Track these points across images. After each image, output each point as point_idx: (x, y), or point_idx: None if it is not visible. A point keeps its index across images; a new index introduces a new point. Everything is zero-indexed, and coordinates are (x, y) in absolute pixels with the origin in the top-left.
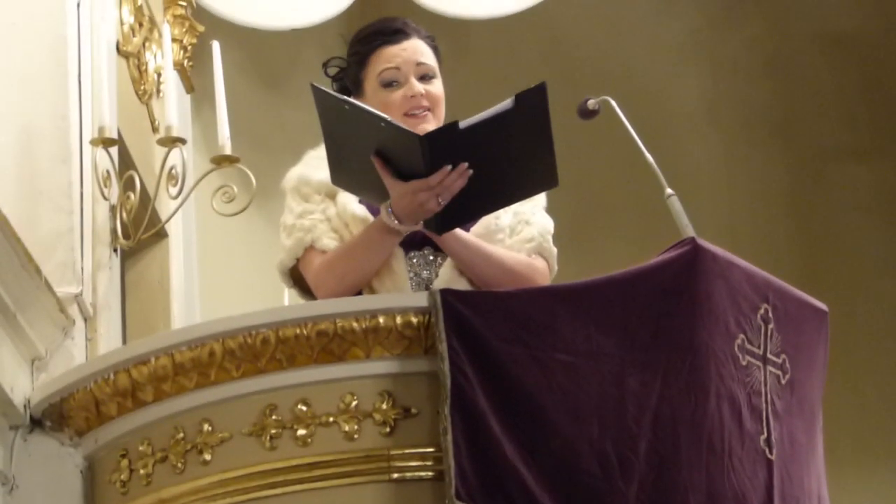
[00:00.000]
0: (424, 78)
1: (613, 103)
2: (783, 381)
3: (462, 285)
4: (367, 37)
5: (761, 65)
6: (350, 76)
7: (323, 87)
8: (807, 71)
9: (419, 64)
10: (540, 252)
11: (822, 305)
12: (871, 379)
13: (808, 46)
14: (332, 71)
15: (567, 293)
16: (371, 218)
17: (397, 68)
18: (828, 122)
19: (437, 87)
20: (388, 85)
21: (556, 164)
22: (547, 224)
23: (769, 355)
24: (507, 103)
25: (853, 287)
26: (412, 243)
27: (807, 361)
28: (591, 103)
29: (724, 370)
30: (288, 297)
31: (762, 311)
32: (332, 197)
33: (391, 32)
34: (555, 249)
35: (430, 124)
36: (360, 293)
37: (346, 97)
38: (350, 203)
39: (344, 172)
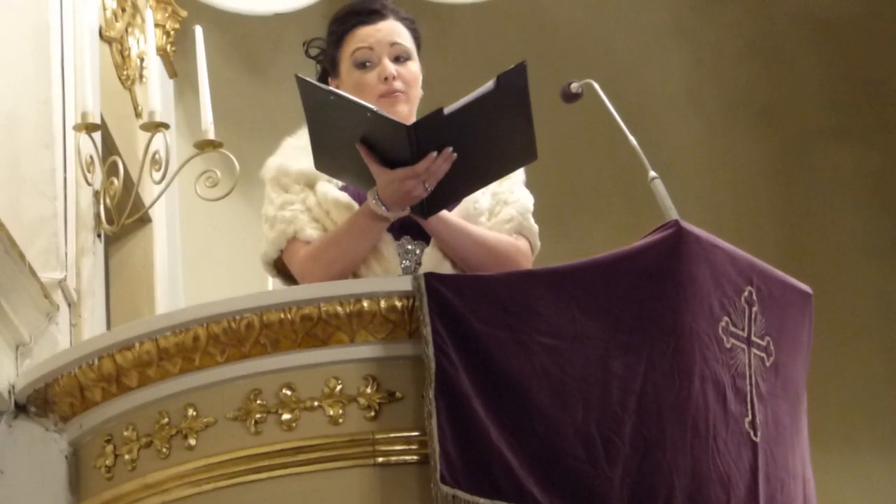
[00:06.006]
0: (399, 59)
1: (596, 86)
2: (767, 364)
3: (446, 270)
4: (343, 17)
5: (744, 48)
6: (327, 57)
7: (308, 79)
8: (789, 54)
9: (393, 44)
10: (520, 231)
11: (807, 288)
12: (855, 361)
13: (791, 30)
14: (314, 52)
15: (551, 276)
16: (353, 203)
17: (370, 48)
18: (810, 105)
19: (411, 68)
20: (362, 66)
21: (535, 137)
22: (526, 202)
23: (753, 338)
24: (488, 85)
25: (836, 269)
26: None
27: (791, 344)
28: (574, 86)
29: (709, 353)
30: (272, 282)
31: (746, 293)
32: (311, 186)
33: (367, 13)
34: (535, 227)
35: (403, 106)
36: None
37: (331, 88)
38: (330, 190)
39: (328, 160)
